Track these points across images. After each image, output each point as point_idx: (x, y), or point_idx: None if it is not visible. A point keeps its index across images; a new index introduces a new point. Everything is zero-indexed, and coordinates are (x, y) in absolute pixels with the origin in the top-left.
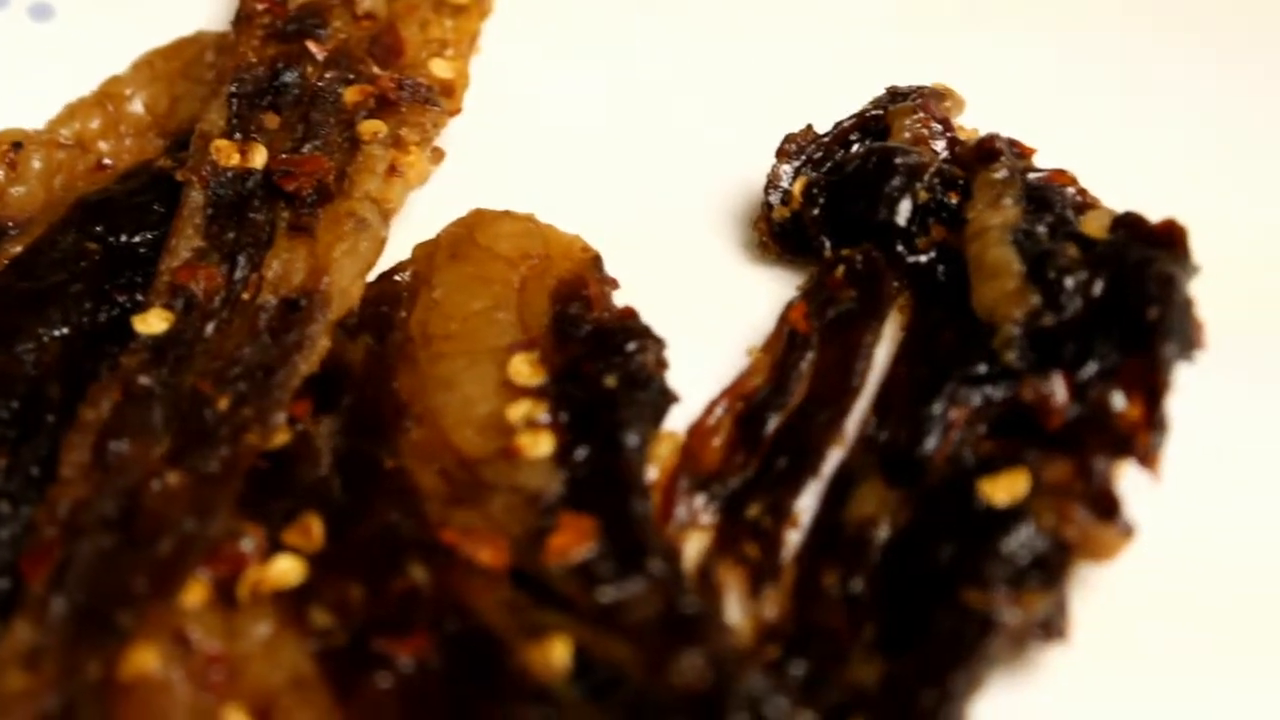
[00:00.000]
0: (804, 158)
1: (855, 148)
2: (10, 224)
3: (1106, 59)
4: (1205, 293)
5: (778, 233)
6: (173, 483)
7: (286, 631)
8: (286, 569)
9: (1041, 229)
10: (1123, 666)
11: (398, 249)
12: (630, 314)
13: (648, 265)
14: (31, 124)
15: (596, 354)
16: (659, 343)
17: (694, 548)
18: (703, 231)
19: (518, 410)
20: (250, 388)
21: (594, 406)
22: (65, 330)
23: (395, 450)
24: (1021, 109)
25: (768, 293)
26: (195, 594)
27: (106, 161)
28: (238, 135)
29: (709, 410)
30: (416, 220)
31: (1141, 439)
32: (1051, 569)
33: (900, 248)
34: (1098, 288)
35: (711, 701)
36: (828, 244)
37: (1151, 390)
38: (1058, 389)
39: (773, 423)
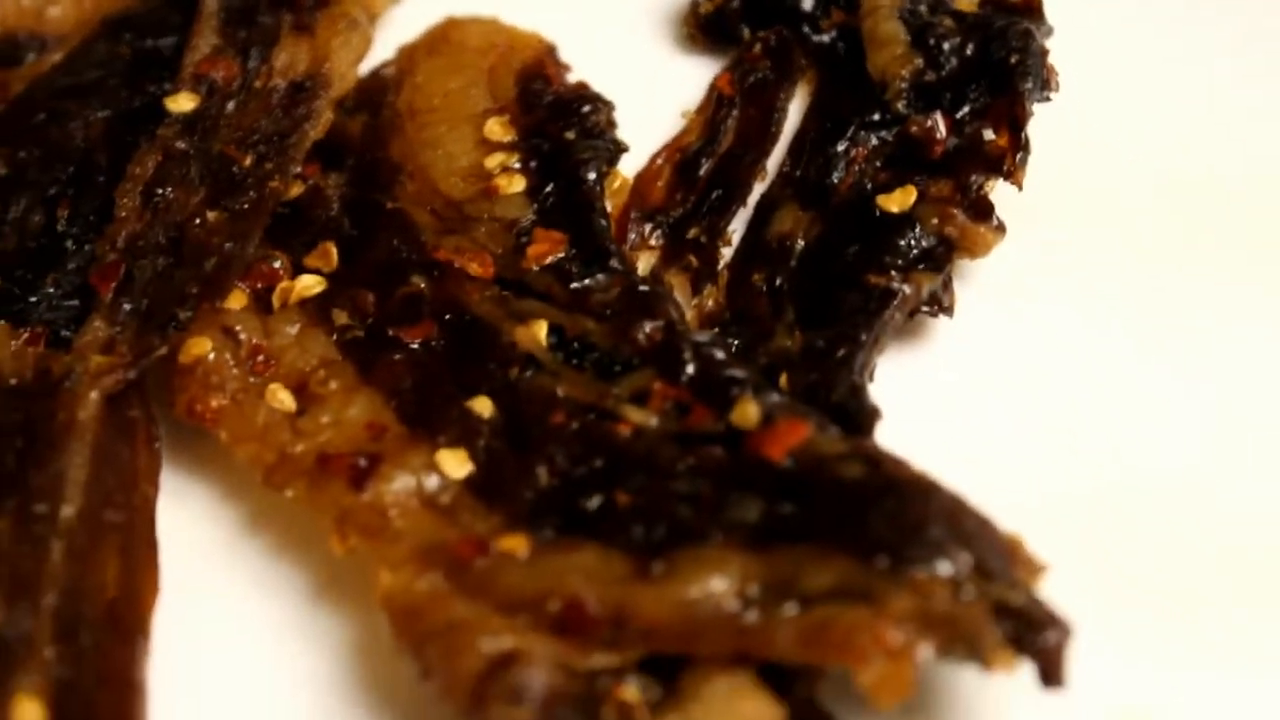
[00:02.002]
0: None
1: None
2: (49, 38)
3: None
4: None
5: (704, 25)
6: (211, 219)
7: (313, 328)
8: (310, 283)
9: (923, 7)
10: None
11: (382, 53)
12: (584, 86)
13: (595, 58)
14: None
15: (557, 116)
16: (609, 105)
17: (645, 264)
18: (641, 29)
19: (494, 160)
20: (269, 149)
21: (557, 154)
22: (106, 112)
23: (394, 196)
24: None
25: (697, 75)
26: (236, 300)
27: None
28: None
29: (652, 160)
30: (396, 29)
31: (1009, 160)
32: (937, 258)
33: (806, 29)
34: (969, 50)
35: (666, 352)
36: (746, 30)
37: (1015, 122)
38: (939, 124)
39: (706, 167)
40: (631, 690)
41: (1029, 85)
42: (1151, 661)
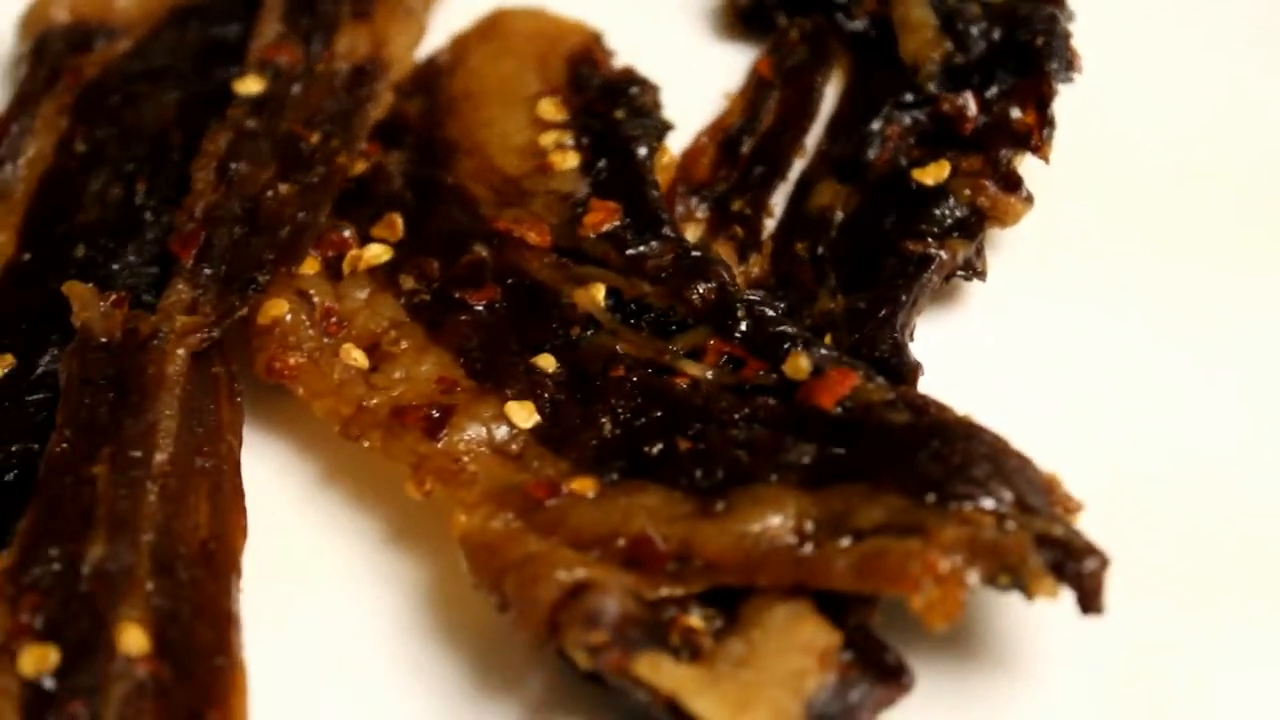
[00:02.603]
0: None
1: None
2: (118, 28)
3: None
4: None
5: (743, 15)
6: (283, 191)
7: (382, 293)
8: (378, 251)
9: None
10: None
11: (435, 43)
12: (631, 70)
13: (638, 47)
14: None
15: (607, 97)
16: (655, 87)
17: (692, 236)
18: (682, 20)
19: (548, 138)
20: (334, 128)
21: (608, 132)
22: (177, 95)
23: (453, 173)
24: None
25: (736, 62)
26: (310, 266)
27: None
28: None
29: (697, 139)
30: (447, 20)
31: (1036, 135)
32: (970, 227)
33: (840, 17)
34: (996, 34)
35: (720, 311)
36: (783, 19)
37: (1041, 100)
38: (970, 102)
39: (748, 145)
40: (696, 618)
41: (1054, 65)
42: (1170, 652)
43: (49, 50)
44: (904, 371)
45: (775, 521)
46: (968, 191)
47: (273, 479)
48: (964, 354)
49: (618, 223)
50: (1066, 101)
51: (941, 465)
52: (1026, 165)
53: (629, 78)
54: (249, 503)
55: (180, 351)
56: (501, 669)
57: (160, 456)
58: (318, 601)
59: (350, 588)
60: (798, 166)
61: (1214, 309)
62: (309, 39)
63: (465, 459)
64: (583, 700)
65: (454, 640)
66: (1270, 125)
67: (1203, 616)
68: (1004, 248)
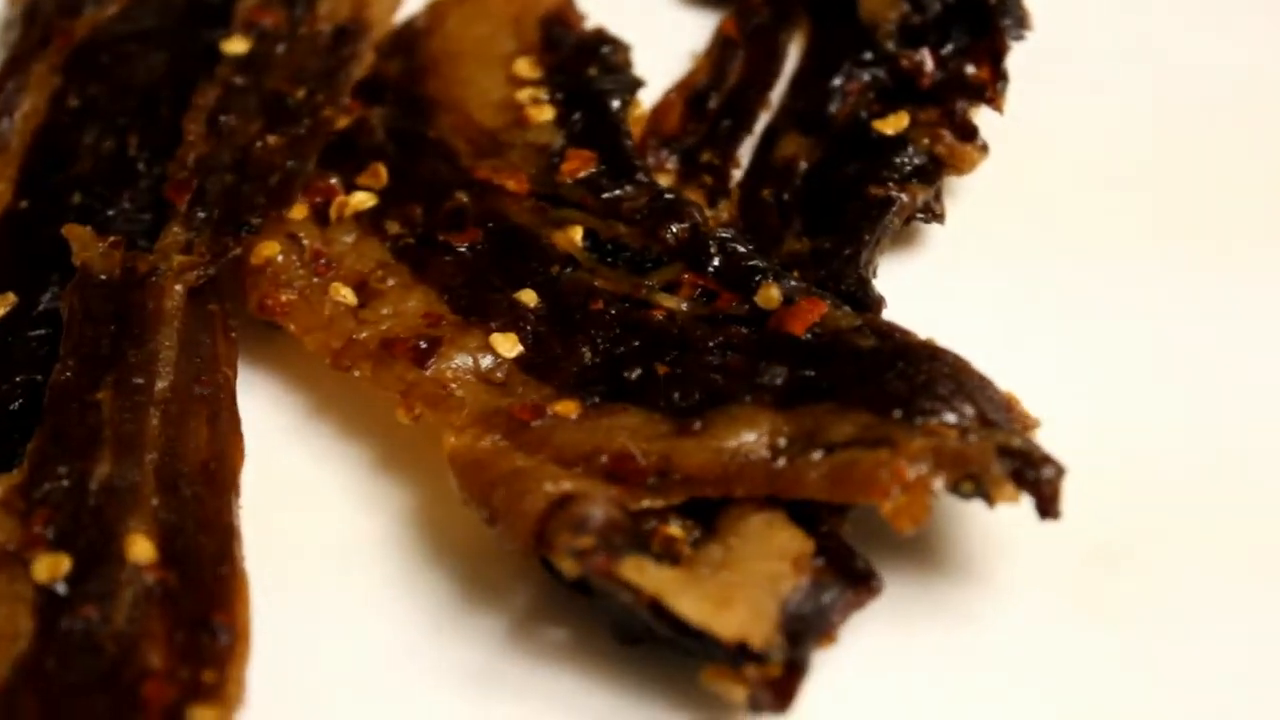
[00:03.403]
0: None
1: None
2: None
3: None
4: None
5: None
6: (272, 142)
7: (369, 237)
8: (363, 198)
9: None
10: None
11: (411, 9)
12: (602, 30)
13: (610, 12)
14: None
15: (580, 55)
16: (626, 46)
17: (664, 184)
18: None
19: (524, 94)
20: (318, 84)
21: (581, 88)
22: (166, 54)
23: (434, 126)
24: None
25: (703, 25)
26: (299, 212)
27: None
28: None
29: (666, 95)
30: None
31: (990, 88)
32: (928, 173)
33: None
34: None
35: (693, 248)
36: None
37: (994, 55)
38: (927, 58)
39: (714, 100)
40: (676, 527)
41: (1007, 22)
42: (1125, 556)
43: (40, 13)
44: (869, 304)
45: (750, 438)
46: (926, 140)
47: (266, 411)
48: (924, 292)
49: (593, 169)
50: (1018, 56)
51: (907, 384)
52: (982, 117)
53: (601, 37)
54: (244, 434)
55: (178, 287)
56: (488, 584)
57: (161, 384)
58: (312, 522)
59: (342, 510)
60: (763, 121)
61: (1150, 248)
62: (292, 2)
63: (453, 385)
64: (568, 610)
65: (441, 558)
66: (1218, 71)
67: (1156, 522)
68: (960, 193)
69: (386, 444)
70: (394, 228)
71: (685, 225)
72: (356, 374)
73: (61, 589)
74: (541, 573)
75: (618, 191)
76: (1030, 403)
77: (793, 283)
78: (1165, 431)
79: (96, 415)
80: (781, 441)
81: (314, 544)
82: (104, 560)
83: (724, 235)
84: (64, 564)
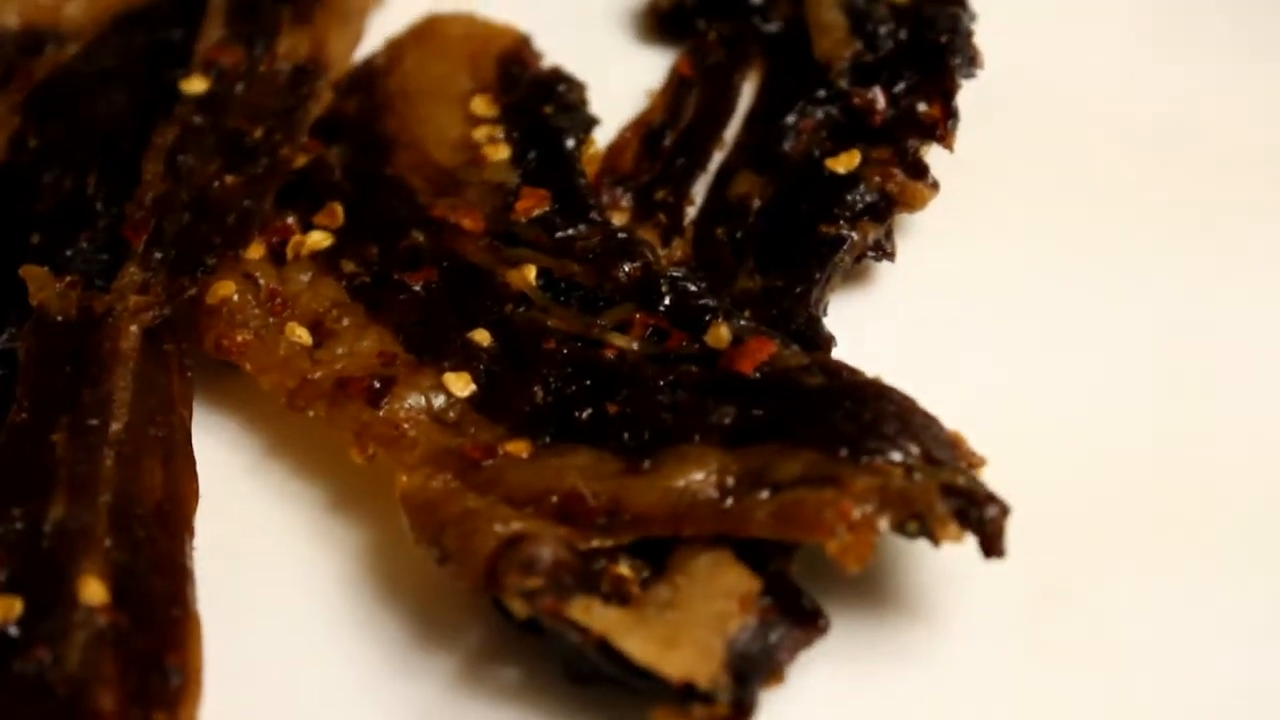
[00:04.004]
0: None
1: None
2: (65, 33)
3: None
4: None
5: (663, 20)
6: (229, 181)
7: (324, 276)
8: (319, 238)
9: (860, 1)
10: None
11: (370, 47)
12: (558, 69)
13: (564, 50)
14: None
15: (536, 94)
16: (581, 85)
17: (617, 223)
18: (604, 25)
19: (480, 132)
20: (277, 123)
21: (537, 126)
22: (126, 94)
23: (390, 165)
24: None
25: (657, 64)
26: (255, 251)
27: None
28: None
29: (621, 133)
30: (381, 26)
31: (941, 126)
32: (880, 211)
33: (756, 20)
34: (903, 35)
35: (644, 287)
36: (703, 23)
37: (945, 94)
38: (879, 96)
39: (669, 138)
40: (625, 567)
41: (958, 61)
42: (1068, 595)
43: (0, 52)
44: (819, 342)
45: (699, 477)
46: (877, 179)
47: (222, 450)
48: (874, 329)
49: (547, 208)
50: (968, 96)
51: (854, 422)
52: (932, 155)
53: (556, 76)
54: (199, 474)
55: (133, 328)
56: (440, 624)
57: (116, 425)
58: (265, 562)
59: (296, 550)
60: (717, 159)
61: (1100, 285)
62: (251, 41)
63: (406, 425)
64: (520, 649)
65: (394, 598)
66: (1170, 108)
67: (1100, 562)
68: (911, 231)
69: (341, 483)
70: (350, 267)
71: (637, 264)
72: (311, 414)
73: (14, 631)
74: (493, 612)
75: (571, 230)
76: (976, 440)
77: (742, 322)
78: (1113, 468)
79: (51, 456)
80: (730, 480)
81: (267, 583)
82: (56, 602)
83: (675, 274)
84: (16, 606)
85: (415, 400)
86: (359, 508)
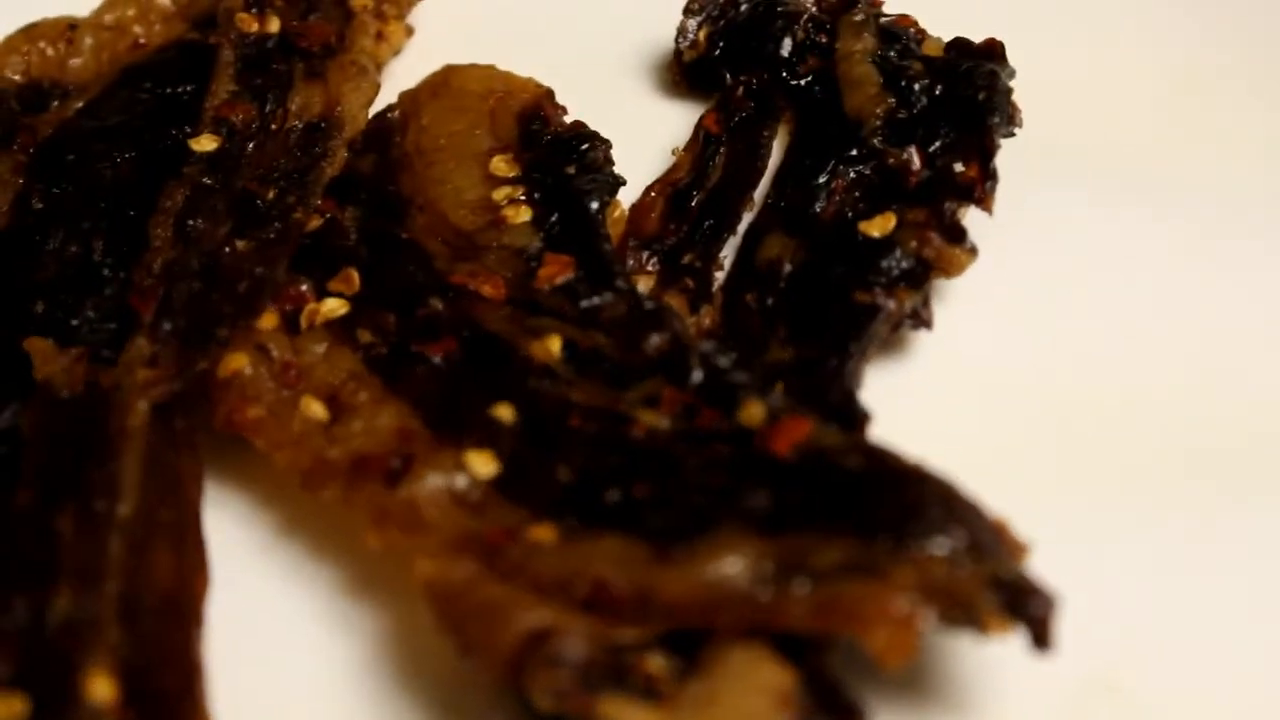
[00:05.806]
0: (705, 14)
1: (744, 6)
2: (71, 87)
3: None
4: None
5: (687, 72)
6: (241, 247)
7: (340, 347)
8: (335, 305)
9: (892, 54)
10: None
11: (385, 100)
12: (581, 125)
13: (586, 104)
14: (80, 13)
15: (558, 153)
16: (606, 143)
17: (643, 288)
18: (628, 77)
19: (500, 193)
20: (289, 184)
21: (560, 187)
22: (132, 153)
23: (407, 228)
24: None
25: (682, 118)
26: (268, 321)
27: (141, 41)
28: (254, 9)
29: (646, 193)
30: (397, 78)
31: (979, 188)
32: (916, 277)
33: (785, 74)
34: (938, 90)
35: (674, 361)
36: (728, 76)
37: (983, 153)
38: (914, 156)
39: (696, 199)
40: (657, 661)
41: (996, 120)
42: (1119, 688)
43: (3, 110)
44: (854, 420)
45: (733, 566)
46: (914, 243)
47: (234, 530)
48: (912, 402)
49: (571, 275)
50: (1007, 155)
51: (895, 509)
52: (970, 217)
53: (579, 133)
54: (211, 553)
55: (141, 404)
56: (462, 712)
57: (124, 508)
58: (279, 649)
59: (311, 636)
60: (746, 219)
61: (1145, 354)
62: (263, 97)
63: (426, 508)
64: None
65: (413, 687)
66: (1211, 173)
67: (1152, 648)
68: (949, 298)
69: (359, 564)
70: (366, 336)
71: (665, 336)
72: (326, 495)
73: None
74: (516, 703)
75: (596, 299)
76: (1023, 523)
77: (777, 399)
78: (1160, 554)
79: (56, 542)
80: (766, 569)
81: (280, 671)
82: (62, 700)
83: (705, 348)
84: (19, 705)
85: (436, 481)
86: (377, 591)
